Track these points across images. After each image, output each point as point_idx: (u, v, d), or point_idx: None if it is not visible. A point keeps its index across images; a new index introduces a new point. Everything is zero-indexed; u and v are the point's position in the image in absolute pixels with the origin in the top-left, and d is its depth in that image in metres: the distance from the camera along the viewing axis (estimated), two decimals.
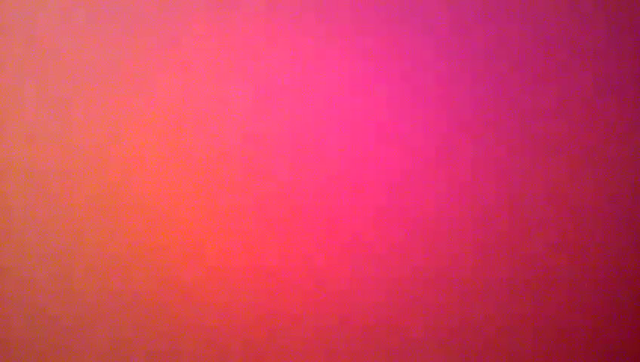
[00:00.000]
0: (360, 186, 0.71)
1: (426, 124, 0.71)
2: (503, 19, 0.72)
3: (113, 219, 0.70)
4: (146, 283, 0.70)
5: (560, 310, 0.71)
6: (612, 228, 0.71)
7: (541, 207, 0.71)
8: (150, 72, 0.71)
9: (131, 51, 0.71)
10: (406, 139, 0.71)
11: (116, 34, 0.71)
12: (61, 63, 0.71)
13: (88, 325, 0.70)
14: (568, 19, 0.72)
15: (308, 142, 0.71)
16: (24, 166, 0.71)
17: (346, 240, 0.71)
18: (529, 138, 0.72)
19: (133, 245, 0.70)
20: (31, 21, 0.71)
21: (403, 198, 0.71)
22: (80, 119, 0.71)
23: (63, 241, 0.70)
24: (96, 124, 0.71)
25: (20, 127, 0.71)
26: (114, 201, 0.71)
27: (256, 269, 0.71)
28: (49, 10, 0.71)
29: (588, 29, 0.72)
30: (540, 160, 0.71)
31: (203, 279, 0.70)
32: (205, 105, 0.71)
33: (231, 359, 0.70)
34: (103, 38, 0.71)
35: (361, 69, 0.71)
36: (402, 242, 0.71)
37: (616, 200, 0.71)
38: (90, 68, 0.71)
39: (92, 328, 0.70)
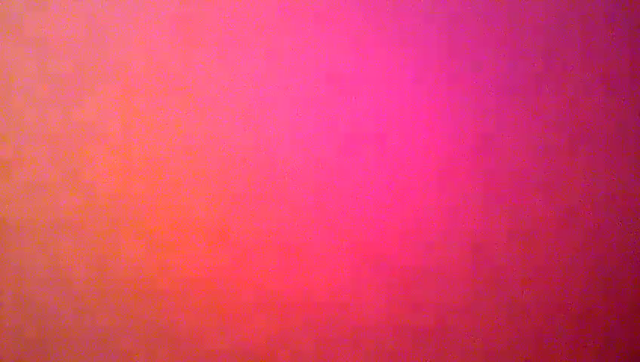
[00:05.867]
0: (367, 190, 0.71)
1: (431, 127, 0.71)
2: (507, 20, 0.72)
3: (113, 216, 0.70)
4: (142, 270, 0.70)
5: (571, 309, 0.71)
6: (614, 227, 0.72)
7: (542, 208, 0.71)
8: (158, 73, 0.71)
9: (138, 50, 0.71)
10: (411, 140, 0.71)
11: (118, 34, 0.71)
12: (68, 63, 0.71)
13: (81, 313, 0.70)
14: (569, 19, 0.72)
15: (310, 145, 0.71)
16: (26, 166, 0.71)
17: (350, 246, 0.71)
18: (537, 136, 0.72)
19: (134, 239, 0.70)
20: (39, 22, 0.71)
21: (406, 199, 0.71)
22: (83, 120, 0.71)
23: (64, 238, 0.70)
24: (102, 124, 0.71)
25: (24, 128, 0.70)
26: (114, 200, 0.70)
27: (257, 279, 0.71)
28: (56, 9, 0.71)
29: (588, 28, 0.72)
30: (546, 159, 0.72)
31: (202, 274, 0.70)
32: (211, 106, 0.71)
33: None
34: (105, 38, 0.71)
35: (377, 69, 0.72)
36: (405, 243, 0.71)
37: (619, 199, 0.72)
38: (95, 66, 0.71)
39: (85, 317, 0.70)
